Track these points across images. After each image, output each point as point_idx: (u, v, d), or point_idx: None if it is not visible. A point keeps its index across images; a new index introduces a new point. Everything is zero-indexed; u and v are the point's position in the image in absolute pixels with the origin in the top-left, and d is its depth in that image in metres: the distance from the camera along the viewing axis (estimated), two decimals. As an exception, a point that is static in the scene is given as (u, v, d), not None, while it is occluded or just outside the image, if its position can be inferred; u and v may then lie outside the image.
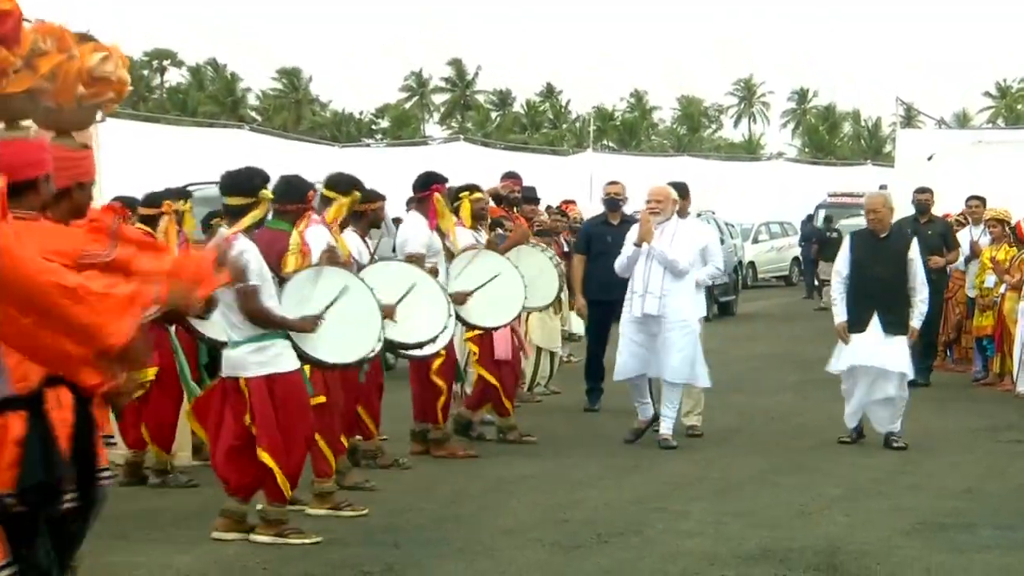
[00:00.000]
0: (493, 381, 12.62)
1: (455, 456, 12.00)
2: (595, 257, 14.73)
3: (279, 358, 8.70)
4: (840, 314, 12.53)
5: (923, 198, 17.54)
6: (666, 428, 12.51)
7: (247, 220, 8.69)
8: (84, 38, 6.70)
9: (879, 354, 12.28)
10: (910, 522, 9.44)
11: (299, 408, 8.79)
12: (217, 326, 9.06)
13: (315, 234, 10.04)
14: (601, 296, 14.50)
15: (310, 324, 8.82)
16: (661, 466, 11.53)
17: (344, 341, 9.07)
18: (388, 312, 9.84)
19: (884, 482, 10.95)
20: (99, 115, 7.62)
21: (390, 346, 10.74)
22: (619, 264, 12.80)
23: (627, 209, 15.50)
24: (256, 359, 8.62)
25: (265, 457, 8.62)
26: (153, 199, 10.86)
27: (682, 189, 13.26)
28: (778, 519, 9.55)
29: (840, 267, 12.69)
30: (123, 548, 8.37)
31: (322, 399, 9.52)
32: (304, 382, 8.94)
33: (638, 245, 12.54)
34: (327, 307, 8.92)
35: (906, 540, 8.92)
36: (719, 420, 13.15)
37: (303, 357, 8.85)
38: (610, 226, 14.91)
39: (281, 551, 8.53)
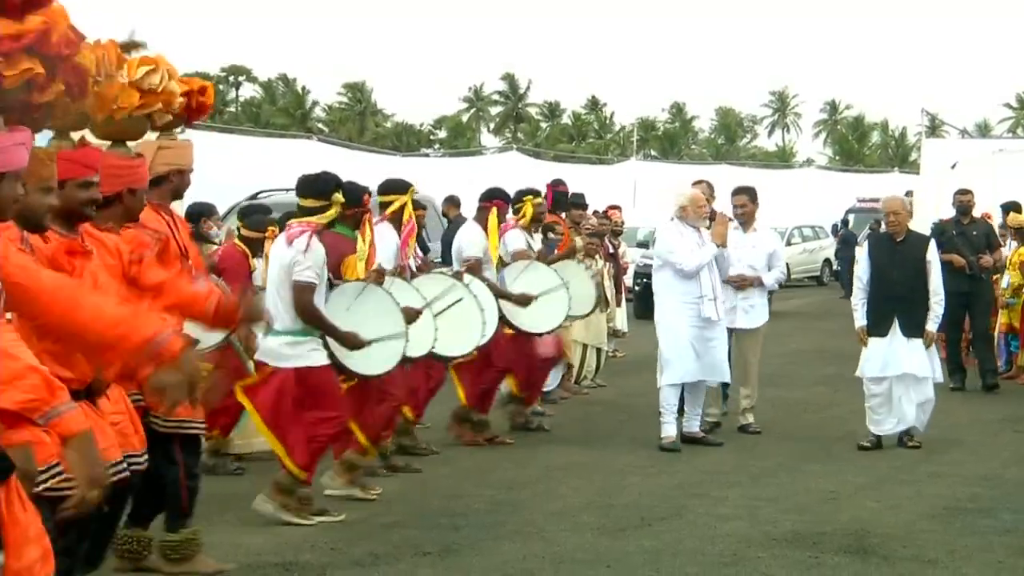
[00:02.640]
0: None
1: (494, 443, 12.05)
2: None
3: (313, 353, 8.70)
4: (860, 318, 11.92)
5: (964, 199, 16.68)
6: (696, 426, 12.10)
7: (319, 219, 8.73)
8: (131, 46, 6.71)
9: (910, 360, 11.65)
10: (934, 507, 9.40)
11: (331, 397, 8.79)
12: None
13: (381, 235, 10.15)
14: None
15: (356, 342, 8.80)
16: (700, 455, 11.50)
17: (371, 356, 9.03)
18: (412, 315, 9.82)
19: (909, 470, 10.90)
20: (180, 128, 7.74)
21: (435, 358, 10.75)
22: (698, 264, 11.73)
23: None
24: (290, 351, 8.62)
25: (270, 438, 8.70)
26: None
27: (753, 194, 13.10)
28: (809, 504, 9.53)
29: (860, 272, 12.06)
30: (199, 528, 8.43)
31: (352, 382, 9.43)
32: (334, 376, 8.92)
33: (720, 246, 11.88)
34: (375, 340, 8.91)
35: (930, 524, 8.89)
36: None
37: (333, 360, 8.84)
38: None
39: (346, 532, 8.57)
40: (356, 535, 8.51)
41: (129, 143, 7.05)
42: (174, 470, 7.26)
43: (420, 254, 11.66)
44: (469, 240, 11.97)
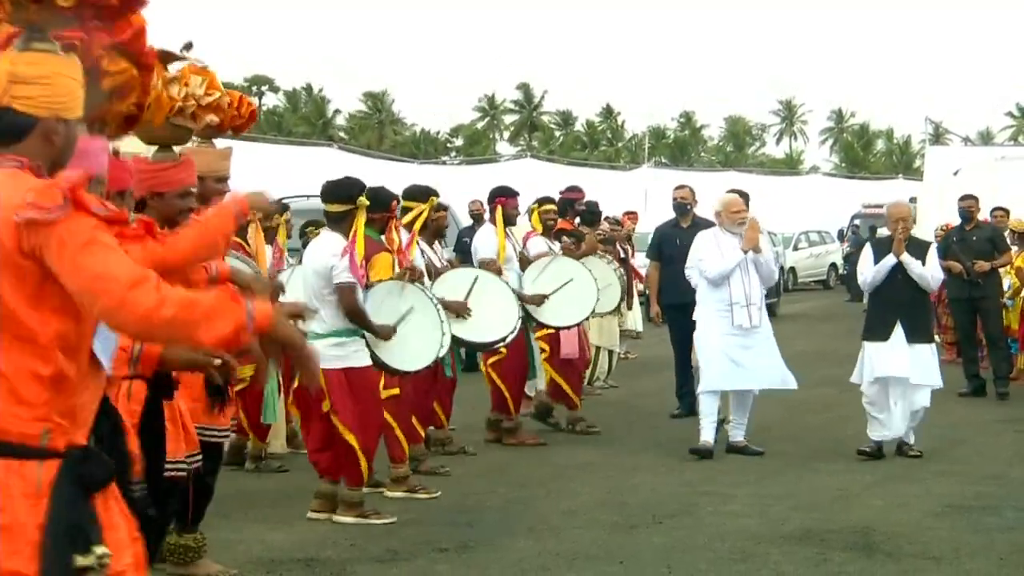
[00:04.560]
0: (558, 379, 12.61)
1: (524, 444, 12.00)
2: (667, 262, 13.77)
3: (356, 354, 8.71)
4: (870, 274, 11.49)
5: (967, 205, 16.28)
6: (740, 436, 11.57)
7: (358, 226, 8.73)
8: (173, 57, 6.71)
9: (910, 365, 11.14)
10: (940, 505, 9.36)
11: (372, 398, 8.83)
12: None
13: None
14: (678, 300, 13.14)
15: (387, 332, 8.83)
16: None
17: (410, 352, 9.05)
18: (460, 308, 9.99)
19: (915, 468, 10.85)
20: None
21: (464, 344, 10.80)
22: (721, 271, 11.38)
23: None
24: (335, 352, 8.57)
25: (349, 437, 8.64)
26: None
27: (745, 197, 12.20)
28: (817, 502, 9.49)
29: (865, 276, 11.63)
30: (224, 526, 8.41)
31: (396, 391, 9.52)
32: (376, 376, 8.95)
33: (746, 252, 11.39)
34: (399, 320, 8.94)
35: (936, 521, 8.84)
36: (763, 412, 13.02)
37: (375, 360, 8.86)
38: (680, 229, 13.90)
39: (366, 530, 8.56)
40: (375, 532, 8.50)
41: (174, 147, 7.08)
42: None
43: (444, 256, 11.65)
44: (484, 242, 12.01)
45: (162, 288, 3.38)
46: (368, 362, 8.80)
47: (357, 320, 8.67)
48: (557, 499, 9.65)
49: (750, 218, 11.65)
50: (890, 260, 11.35)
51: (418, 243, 10.49)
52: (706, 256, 11.56)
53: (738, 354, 11.38)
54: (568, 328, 12.25)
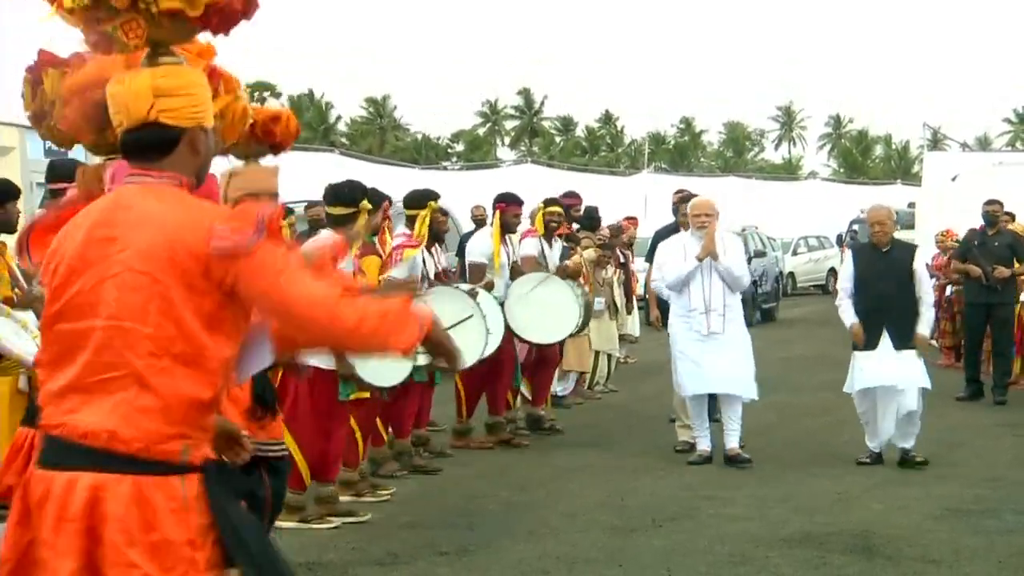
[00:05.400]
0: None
1: (469, 447, 11.93)
2: None
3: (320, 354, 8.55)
4: (850, 316, 11.12)
5: (992, 209, 15.83)
6: (734, 442, 11.23)
7: (362, 229, 8.70)
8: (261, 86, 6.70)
9: (895, 372, 10.87)
10: (939, 508, 9.32)
11: (330, 404, 8.68)
12: None
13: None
14: None
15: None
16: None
17: (383, 368, 8.94)
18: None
19: (914, 472, 10.80)
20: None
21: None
22: (676, 278, 11.20)
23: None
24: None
25: (289, 441, 8.59)
26: None
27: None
28: (817, 505, 9.46)
29: (844, 283, 11.36)
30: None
31: (365, 395, 9.37)
32: (338, 382, 8.77)
33: (700, 260, 11.08)
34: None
35: (935, 524, 8.81)
36: (762, 416, 13.00)
37: (341, 373, 8.65)
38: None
39: (367, 533, 8.53)
40: (376, 535, 8.47)
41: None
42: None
43: (444, 261, 11.60)
44: (476, 245, 12.16)
45: (356, 301, 3.47)
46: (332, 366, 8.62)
47: None
48: (557, 502, 9.62)
49: (709, 226, 11.15)
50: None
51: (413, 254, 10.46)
52: (666, 262, 11.42)
53: (700, 358, 11.17)
54: (542, 345, 12.27)
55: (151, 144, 3.57)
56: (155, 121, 3.55)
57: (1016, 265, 15.51)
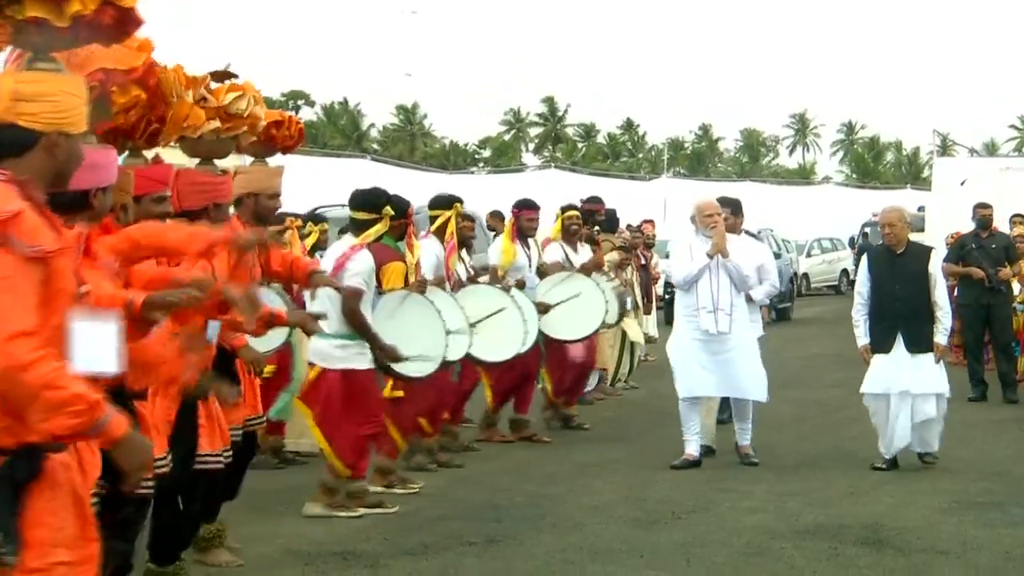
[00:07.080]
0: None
1: (491, 440, 12.00)
2: None
3: (358, 357, 8.57)
4: (862, 336, 10.71)
5: (985, 213, 15.81)
6: (746, 440, 11.03)
7: (372, 233, 8.74)
8: (223, 75, 6.78)
9: (913, 378, 10.44)
10: (947, 501, 9.31)
11: (369, 400, 8.69)
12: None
13: (427, 248, 10.17)
14: None
15: (394, 355, 8.59)
16: (726, 452, 11.37)
17: (411, 360, 8.89)
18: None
19: (923, 466, 10.77)
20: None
21: (473, 360, 10.67)
22: (685, 276, 10.79)
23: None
24: (339, 353, 8.53)
25: (318, 436, 8.64)
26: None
27: (736, 206, 11.57)
28: (830, 499, 9.46)
29: (860, 288, 10.83)
30: (263, 520, 8.45)
31: (400, 393, 9.42)
32: (376, 380, 8.83)
33: (711, 257, 10.73)
34: (414, 356, 8.78)
35: (943, 517, 8.80)
36: (777, 412, 12.99)
37: (377, 364, 8.72)
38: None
39: (399, 524, 8.56)
40: (407, 527, 8.50)
41: (216, 162, 7.12)
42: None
43: (471, 264, 11.62)
44: (494, 250, 12.21)
45: (44, 358, 3.39)
46: (368, 365, 8.65)
47: (357, 327, 8.50)
48: (580, 496, 9.63)
49: (718, 224, 10.84)
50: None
51: (437, 254, 10.45)
52: (675, 261, 11.12)
53: (706, 360, 10.80)
54: (570, 342, 12.24)
55: (5, 143, 3.61)
56: (11, 123, 3.61)
57: (1008, 267, 15.58)
